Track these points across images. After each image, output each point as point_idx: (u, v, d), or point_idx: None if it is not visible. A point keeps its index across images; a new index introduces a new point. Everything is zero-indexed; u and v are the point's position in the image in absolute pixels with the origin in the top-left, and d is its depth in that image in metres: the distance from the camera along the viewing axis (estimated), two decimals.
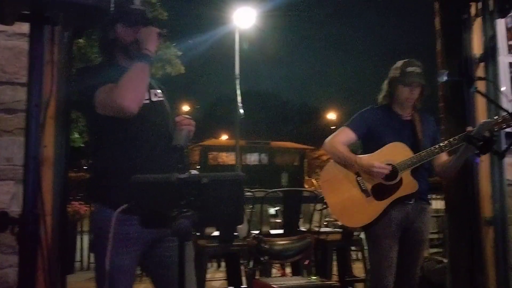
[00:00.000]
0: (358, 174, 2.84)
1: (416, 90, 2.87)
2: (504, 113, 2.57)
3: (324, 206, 4.85)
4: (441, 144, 2.77)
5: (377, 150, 2.85)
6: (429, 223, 2.98)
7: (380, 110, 2.98)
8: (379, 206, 2.80)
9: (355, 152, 2.94)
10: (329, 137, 2.97)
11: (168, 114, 2.20)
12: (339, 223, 4.17)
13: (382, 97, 3.01)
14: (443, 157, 2.87)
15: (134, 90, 1.93)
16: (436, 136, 2.99)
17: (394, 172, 2.79)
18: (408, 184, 2.81)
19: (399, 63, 2.92)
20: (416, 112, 2.97)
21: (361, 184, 2.83)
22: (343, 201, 2.88)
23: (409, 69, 2.85)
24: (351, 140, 2.94)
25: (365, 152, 2.93)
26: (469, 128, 2.61)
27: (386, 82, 2.99)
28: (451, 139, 2.74)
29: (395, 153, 2.82)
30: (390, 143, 2.84)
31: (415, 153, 2.79)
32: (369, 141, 2.93)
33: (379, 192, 2.80)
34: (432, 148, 2.78)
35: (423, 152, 2.78)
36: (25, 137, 1.43)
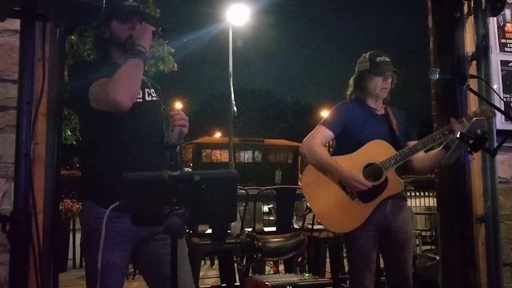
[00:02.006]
0: None
1: (389, 79, 2.83)
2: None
3: (308, 211, 4.83)
4: (424, 140, 2.71)
5: (354, 147, 2.74)
6: (409, 220, 2.90)
7: (355, 105, 2.87)
8: (367, 208, 2.70)
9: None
10: (307, 139, 2.83)
11: (162, 113, 2.19)
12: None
13: (350, 93, 2.93)
14: (420, 153, 2.77)
15: (128, 86, 1.92)
16: (409, 130, 2.92)
17: (378, 171, 2.71)
18: (394, 183, 2.74)
19: (366, 56, 2.86)
20: (387, 106, 2.93)
21: (346, 187, 2.71)
22: (328, 206, 2.74)
23: (379, 59, 2.81)
24: (329, 138, 2.83)
25: (340, 149, 2.83)
26: (453, 119, 2.62)
27: (353, 77, 2.91)
28: (433, 134, 2.70)
29: (376, 151, 2.74)
30: (371, 141, 2.75)
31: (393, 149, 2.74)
32: (344, 138, 2.82)
33: (365, 193, 2.68)
34: (416, 144, 2.71)
35: (406, 149, 2.71)
36: (16, 134, 1.42)
